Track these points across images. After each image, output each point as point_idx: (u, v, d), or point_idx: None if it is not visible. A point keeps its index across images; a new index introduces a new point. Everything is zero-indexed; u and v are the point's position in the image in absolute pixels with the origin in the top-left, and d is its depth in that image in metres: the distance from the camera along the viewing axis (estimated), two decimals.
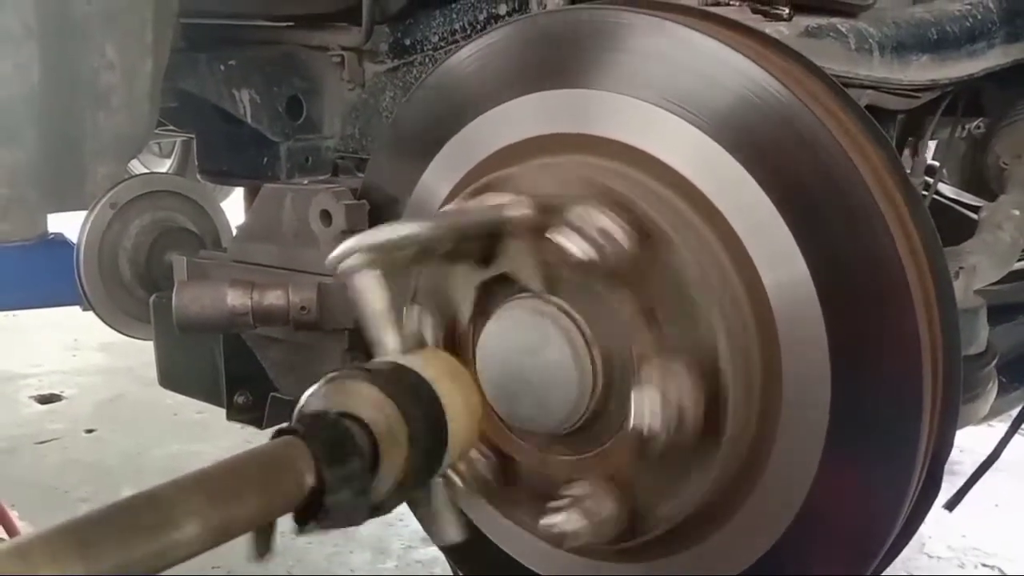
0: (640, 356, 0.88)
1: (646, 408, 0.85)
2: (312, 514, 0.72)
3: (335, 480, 0.72)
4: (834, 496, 0.88)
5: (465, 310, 1.00)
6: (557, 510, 0.91)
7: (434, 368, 0.86)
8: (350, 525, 0.76)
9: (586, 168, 0.95)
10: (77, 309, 1.94)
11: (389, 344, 0.87)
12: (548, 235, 0.88)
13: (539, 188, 0.93)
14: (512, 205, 0.92)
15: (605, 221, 0.86)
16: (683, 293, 0.87)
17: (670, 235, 0.87)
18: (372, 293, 0.86)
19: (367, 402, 0.78)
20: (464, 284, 0.99)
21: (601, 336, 0.90)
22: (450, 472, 0.94)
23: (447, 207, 1.02)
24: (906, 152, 1.59)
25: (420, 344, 0.95)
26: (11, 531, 2.12)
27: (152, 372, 1.58)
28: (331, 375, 0.80)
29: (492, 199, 0.93)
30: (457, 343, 1.01)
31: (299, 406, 0.79)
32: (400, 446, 0.78)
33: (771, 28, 1.07)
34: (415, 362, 0.85)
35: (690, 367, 0.85)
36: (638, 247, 0.87)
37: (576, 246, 0.86)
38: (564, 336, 0.90)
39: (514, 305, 0.94)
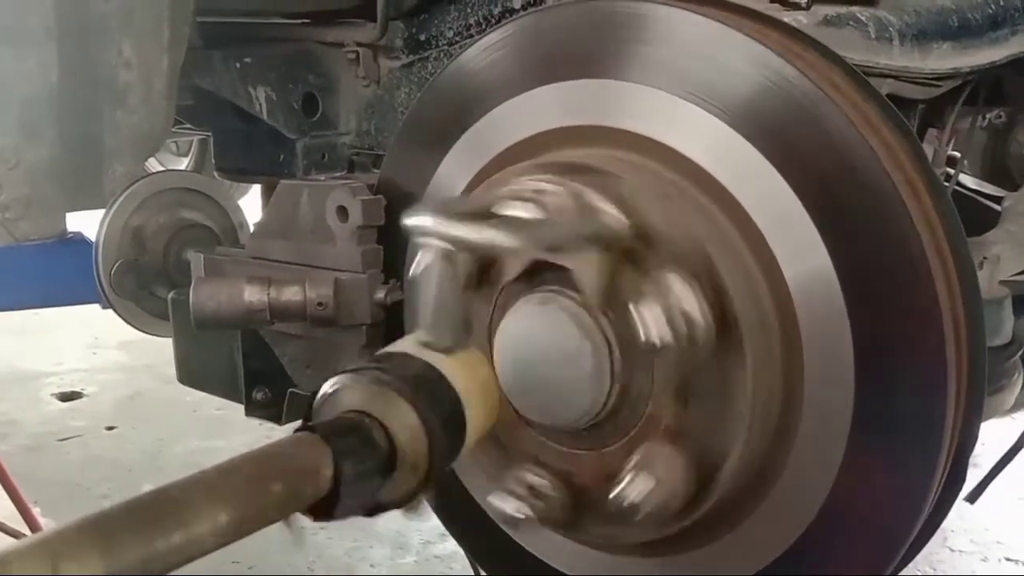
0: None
1: (648, 319, 0.83)
2: (328, 509, 0.72)
3: (352, 476, 0.72)
4: (857, 490, 0.87)
5: (508, 277, 0.96)
6: (620, 481, 0.87)
7: (453, 362, 0.85)
8: (365, 516, 0.76)
9: (679, 190, 0.90)
10: (97, 307, 1.95)
11: (442, 340, 0.85)
12: (631, 305, 0.85)
13: (633, 197, 0.88)
14: (609, 216, 0.87)
15: (691, 303, 0.84)
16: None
17: (745, 332, 0.85)
18: (443, 284, 0.85)
19: (389, 406, 0.77)
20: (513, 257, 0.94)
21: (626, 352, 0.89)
22: (519, 509, 0.92)
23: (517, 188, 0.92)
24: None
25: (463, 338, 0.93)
26: (34, 527, 2.14)
27: (171, 369, 1.58)
28: (349, 370, 0.80)
29: (575, 191, 0.89)
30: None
31: (317, 399, 0.79)
32: (420, 452, 0.77)
33: (790, 17, 1.06)
34: (434, 357, 0.84)
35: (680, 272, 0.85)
36: (714, 337, 0.84)
37: (655, 330, 0.83)
38: (588, 338, 0.89)
39: (536, 298, 0.93)
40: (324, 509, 0.72)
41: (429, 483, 0.79)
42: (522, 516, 0.93)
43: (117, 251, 1.84)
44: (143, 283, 1.84)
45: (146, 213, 1.86)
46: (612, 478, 0.89)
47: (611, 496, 0.88)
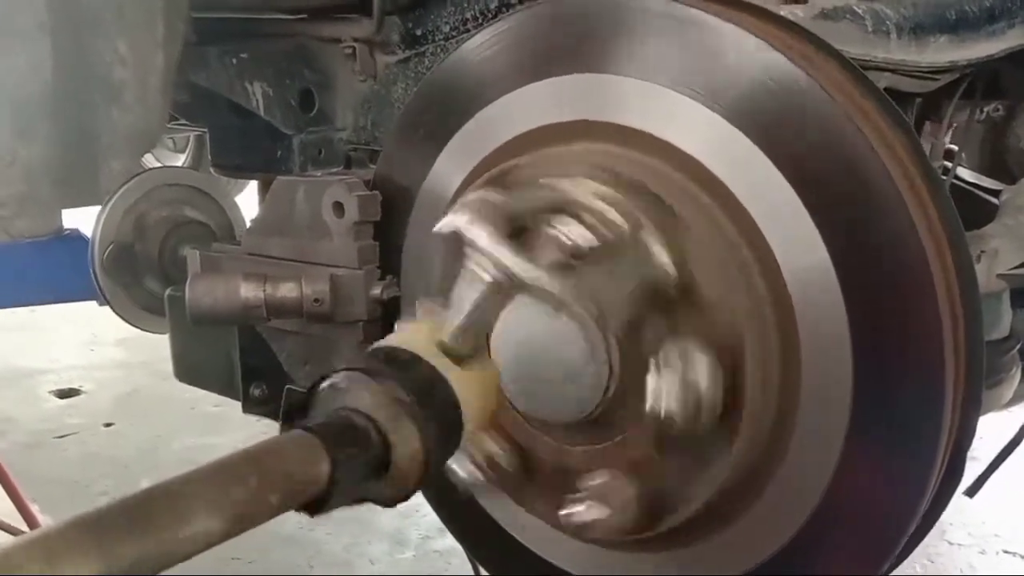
0: (656, 338, 0.87)
1: (663, 390, 0.83)
2: (320, 506, 0.73)
3: (347, 479, 0.72)
4: (856, 484, 0.87)
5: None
6: (577, 501, 0.91)
7: (466, 379, 0.85)
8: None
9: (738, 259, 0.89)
10: (94, 304, 1.95)
11: (462, 348, 0.86)
12: (650, 370, 0.86)
13: (689, 249, 0.88)
14: (659, 266, 0.89)
15: (708, 385, 0.84)
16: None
17: (745, 416, 0.86)
18: (486, 301, 0.87)
19: (398, 424, 0.78)
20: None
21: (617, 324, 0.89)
22: (473, 468, 0.96)
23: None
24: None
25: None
26: (32, 525, 2.14)
27: (168, 366, 1.58)
28: (362, 370, 0.80)
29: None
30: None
31: (322, 387, 0.80)
32: (414, 470, 0.78)
33: (787, 10, 1.06)
34: (449, 369, 0.85)
35: (707, 349, 0.84)
36: (717, 418, 0.85)
37: (664, 402, 0.84)
38: (579, 325, 0.89)
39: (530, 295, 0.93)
40: (316, 507, 0.73)
41: (414, 491, 0.80)
42: (474, 481, 0.97)
43: (114, 237, 1.84)
44: (136, 270, 1.84)
45: (147, 205, 1.86)
46: (568, 472, 0.94)
47: (561, 512, 0.91)
